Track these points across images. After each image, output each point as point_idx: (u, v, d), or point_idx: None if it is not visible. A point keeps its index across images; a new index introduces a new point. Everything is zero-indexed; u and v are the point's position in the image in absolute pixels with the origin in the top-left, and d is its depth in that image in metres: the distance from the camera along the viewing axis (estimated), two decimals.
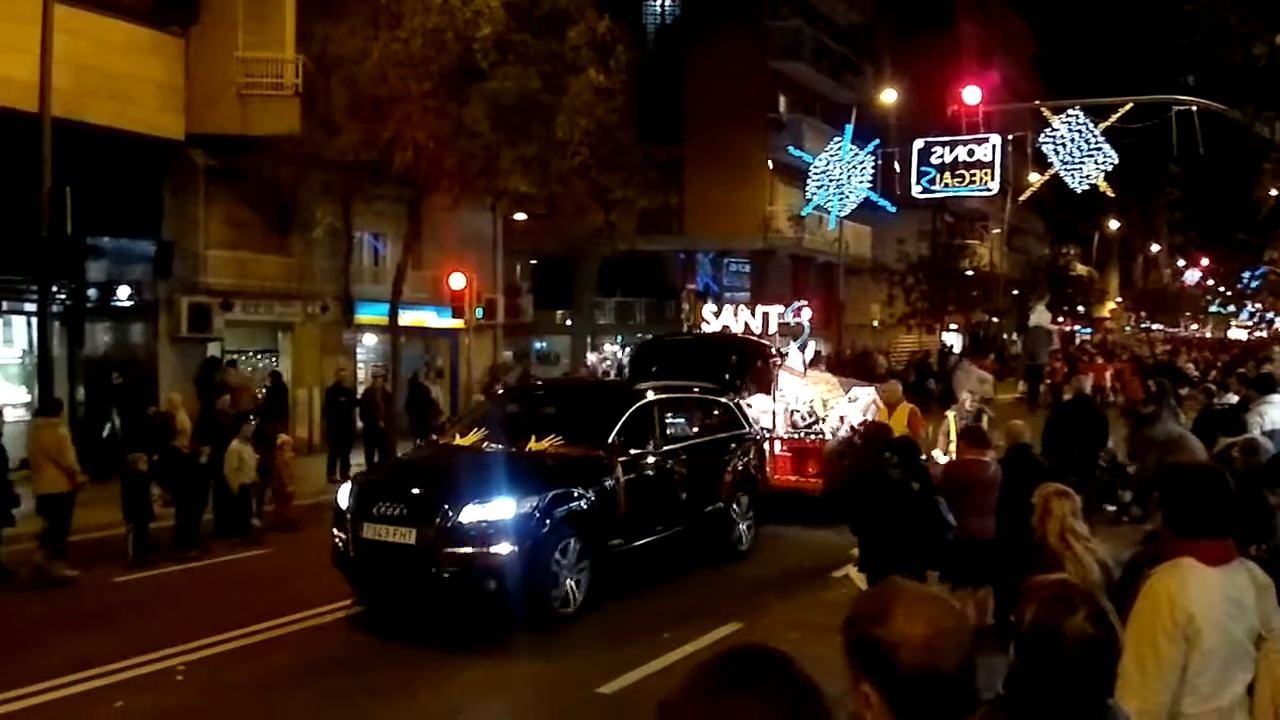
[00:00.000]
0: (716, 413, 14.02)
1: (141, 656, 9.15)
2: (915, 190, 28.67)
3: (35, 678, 8.54)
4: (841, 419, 16.05)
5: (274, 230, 23.95)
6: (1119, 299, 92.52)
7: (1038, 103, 30.49)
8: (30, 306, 17.79)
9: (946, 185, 28.08)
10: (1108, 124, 26.36)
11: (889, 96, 41.23)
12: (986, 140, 27.65)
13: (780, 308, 18.42)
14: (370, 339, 27.33)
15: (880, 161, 31.22)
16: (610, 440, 11.16)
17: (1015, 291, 57.12)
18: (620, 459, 11.06)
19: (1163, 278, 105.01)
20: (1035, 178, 31.56)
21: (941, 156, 27.80)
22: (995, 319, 58.59)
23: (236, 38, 20.98)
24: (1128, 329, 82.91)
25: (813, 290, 44.15)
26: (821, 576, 12.22)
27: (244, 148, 20.59)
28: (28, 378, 18.92)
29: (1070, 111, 27.04)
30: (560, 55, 20.21)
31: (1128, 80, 41.55)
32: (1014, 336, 59.65)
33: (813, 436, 15.70)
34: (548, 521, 10.10)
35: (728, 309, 17.89)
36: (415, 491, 10.53)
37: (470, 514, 9.88)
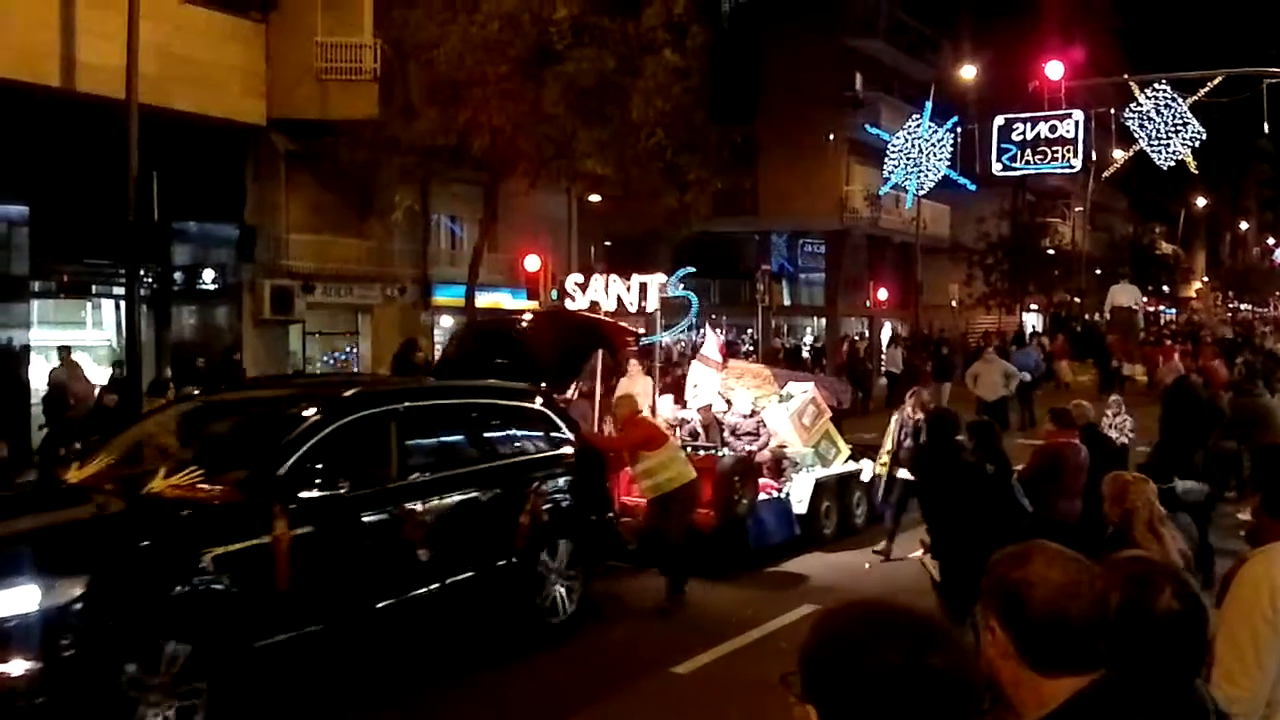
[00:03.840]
0: (518, 425, 9.92)
1: None
2: (995, 168, 28.29)
3: None
4: (751, 426, 12.98)
5: (353, 213, 24.27)
6: (1205, 278, 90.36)
7: (1125, 76, 29.82)
8: (118, 290, 18.24)
9: (1028, 162, 27.67)
10: (1195, 98, 25.75)
11: (968, 72, 40.55)
12: (1069, 116, 27.16)
13: (662, 277, 13.64)
14: (447, 321, 27.62)
15: (959, 139, 30.79)
16: (278, 474, 7.30)
17: (1098, 271, 56.02)
18: (293, 504, 7.23)
19: (1251, 256, 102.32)
20: (1119, 154, 30.97)
21: (1022, 133, 27.38)
22: (1077, 299, 57.54)
23: (316, 22, 21.23)
24: (1215, 308, 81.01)
25: (889, 271, 43.75)
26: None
27: (323, 132, 20.87)
28: (115, 360, 19.40)
29: (1156, 86, 26.47)
30: (636, 36, 20.20)
31: (1216, 53, 40.52)
32: (1097, 317, 58.63)
33: (702, 452, 12.09)
34: (111, 617, 6.19)
35: (597, 279, 13.83)
36: None
37: None
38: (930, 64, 44.23)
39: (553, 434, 10.01)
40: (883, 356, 35.76)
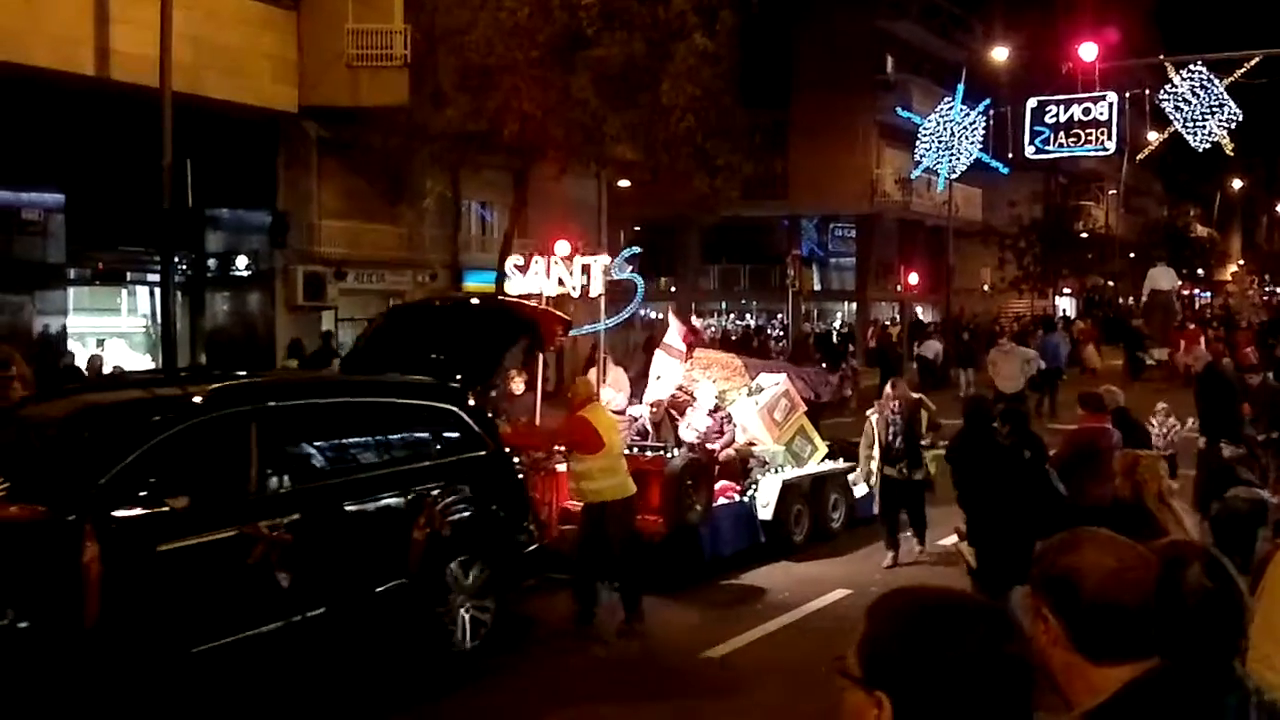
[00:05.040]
0: (417, 427, 8.64)
1: None
2: (1028, 151, 28.04)
3: None
4: (715, 422, 11.87)
5: (385, 200, 24.37)
6: (1240, 261, 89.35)
7: (1161, 57, 29.49)
8: (153, 277, 18.42)
9: (1061, 145, 27.41)
10: (1232, 79, 25.42)
11: (1000, 54, 40.19)
12: (1103, 98, 26.86)
13: (607, 258, 12.26)
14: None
15: (992, 121, 30.53)
16: (95, 488, 6.21)
17: (1131, 255, 55.54)
18: (112, 523, 6.14)
19: None
20: (1154, 136, 30.65)
21: (1056, 115, 27.12)
22: (1110, 283, 57.07)
23: (346, 9, 21.30)
24: (1250, 292, 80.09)
25: (921, 255, 43.49)
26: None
27: (355, 119, 20.96)
28: (152, 346, 19.62)
29: (1192, 67, 26.14)
30: (665, 21, 20.14)
31: (1253, 33, 39.99)
32: (1130, 301, 58.12)
33: (649, 453, 11.07)
34: None
35: (538, 261, 12.32)
36: None
37: None
38: (962, 46, 43.87)
39: (462, 436, 8.69)
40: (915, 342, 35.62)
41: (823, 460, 12.58)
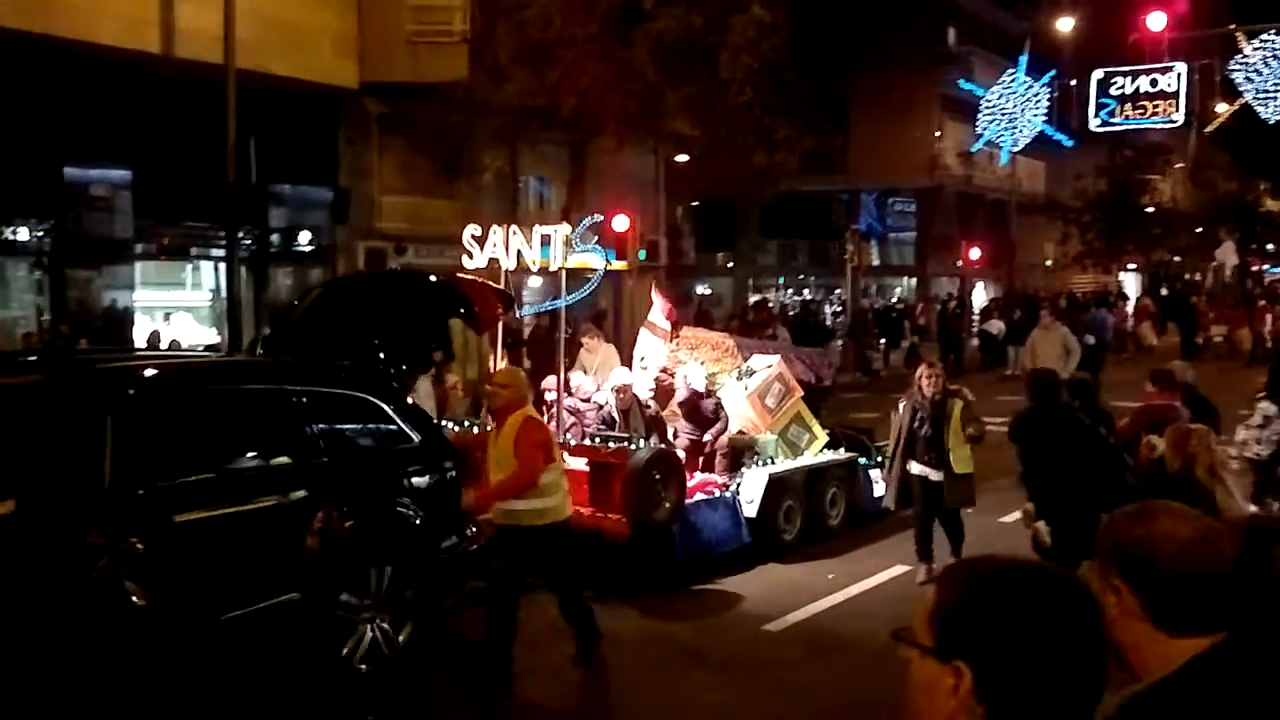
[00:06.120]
0: (324, 418, 7.50)
1: None
2: (1093, 123, 27.63)
3: None
4: (709, 408, 11.08)
5: (444, 175, 24.47)
6: None
7: (1232, 26, 28.82)
8: (217, 252, 18.69)
9: (1127, 117, 27.01)
10: None
11: (1065, 25, 39.49)
12: (1171, 69, 26.39)
13: (567, 228, 10.59)
14: (535, 281, 27.79)
15: (1056, 93, 30.05)
16: None
17: (1198, 230, 54.45)
18: None
19: None
20: (1223, 108, 29.96)
21: (1122, 87, 26.69)
22: (1177, 258, 56.01)
23: None
24: None
25: (982, 229, 42.96)
26: None
27: (414, 95, 21.05)
28: (217, 320, 19.94)
29: (1265, 36, 25.52)
30: None
31: None
32: (1197, 277, 57.09)
33: (612, 444, 10.00)
34: None
35: (496, 231, 11.08)
36: None
37: None
38: (1025, 16, 43.13)
39: (378, 428, 7.79)
40: (974, 317, 35.28)
41: (821, 450, 11.57)
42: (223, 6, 15.95)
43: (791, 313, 34.74)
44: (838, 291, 39.76)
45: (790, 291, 44.55)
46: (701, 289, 42.61)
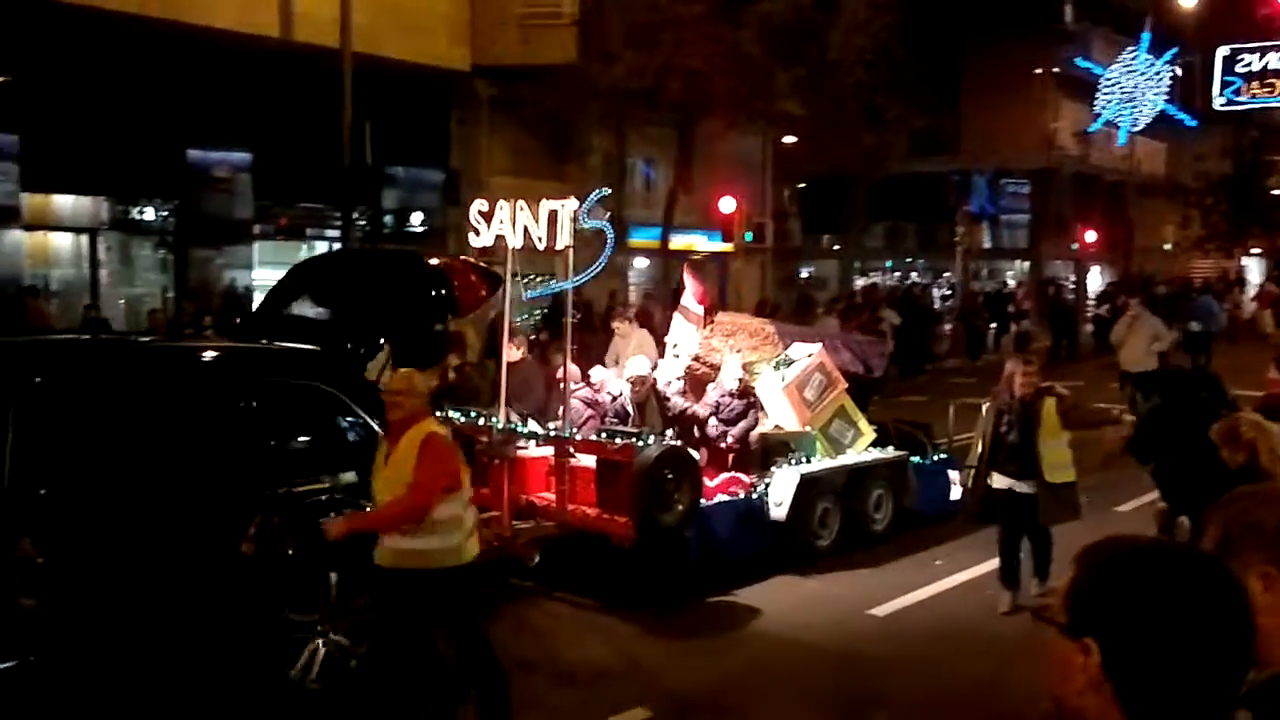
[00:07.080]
0: (268, 411, 6.83)
1: None
2: (1218, 102, 26.76)
3: None
4: (740, 405, 10.24)
5: (552, 157, 24.72)
6: None
7: None
8: (332, 233, 19.15)
9: (1254, 96, 26.09)
10: None
11: (1189, 0, 38.26)
12: None
13: (575, 203, 9.27)
14: (641, 262, 27.92)
15: (1179, 71, 29.15)
16: None
17: None
18: None
19: None
20: None
21: (1249, 64, 25.82)
22: None
23: None
24: None
25: (1098, 212, 41.87)
26: None
27: (524, 77, 21.27)
28: None
29: None
30: None
31: None
32: None
33: (618, 440, 8.94)
34: None
35: (503, 207, 9.52)
36: None
37: None
38: None
39: (336, 421, 7.03)
40: (1089, 302, 34.48)
41: (867, 447, 10.56)
42: None
43: (899, 295, 34.32)
44: (946, 275, 39.14)
45: (898, 275, 43.99)
46: (806, 272, 42.32)
